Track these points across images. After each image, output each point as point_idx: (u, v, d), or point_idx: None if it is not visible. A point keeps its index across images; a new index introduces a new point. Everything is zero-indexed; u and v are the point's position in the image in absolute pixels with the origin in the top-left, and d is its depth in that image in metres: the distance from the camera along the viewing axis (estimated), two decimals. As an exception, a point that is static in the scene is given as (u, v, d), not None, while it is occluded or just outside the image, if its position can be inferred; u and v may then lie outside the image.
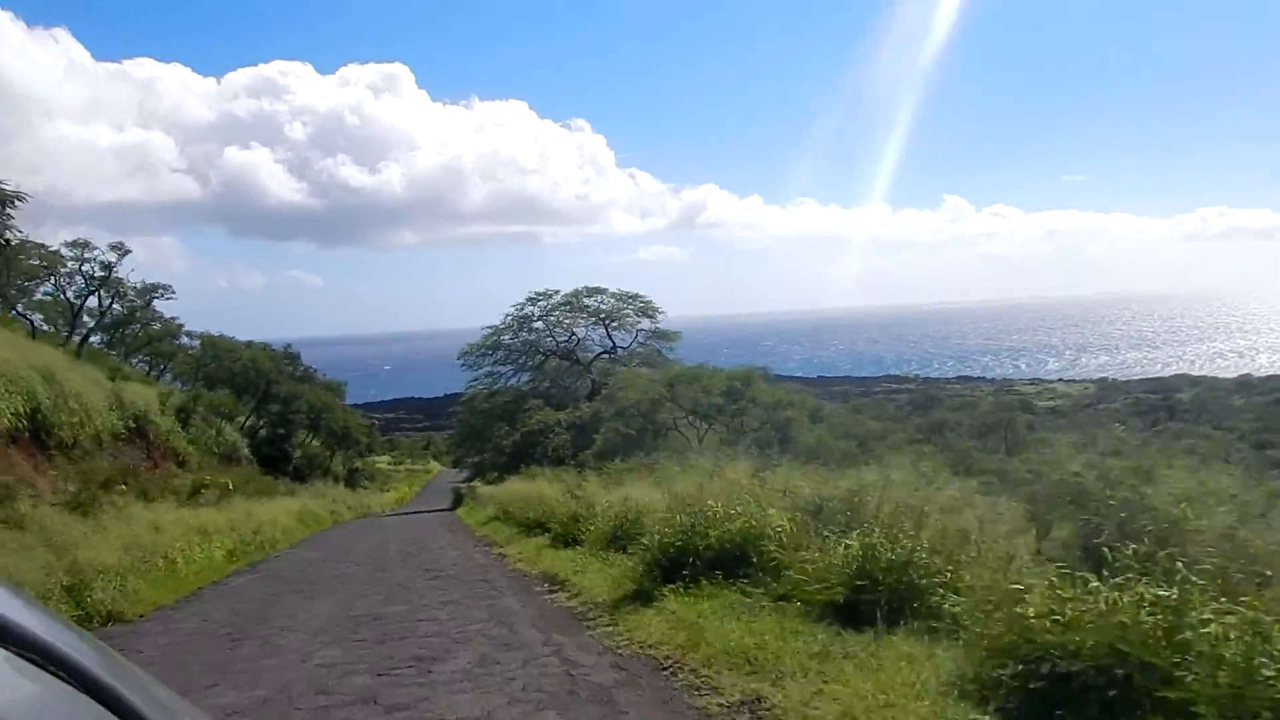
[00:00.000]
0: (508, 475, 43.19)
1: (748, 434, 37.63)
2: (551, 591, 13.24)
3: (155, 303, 44.93)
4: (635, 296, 59.86)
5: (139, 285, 42.17)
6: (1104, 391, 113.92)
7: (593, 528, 16.20)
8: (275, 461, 47.78)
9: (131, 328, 45.55)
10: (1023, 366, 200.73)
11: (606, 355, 60.01)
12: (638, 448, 35.59)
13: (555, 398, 56.53)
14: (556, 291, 59.43)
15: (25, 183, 37.98)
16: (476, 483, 51.95)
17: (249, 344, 51.37)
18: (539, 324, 59.15)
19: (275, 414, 49.66)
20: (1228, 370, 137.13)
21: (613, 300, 59.40)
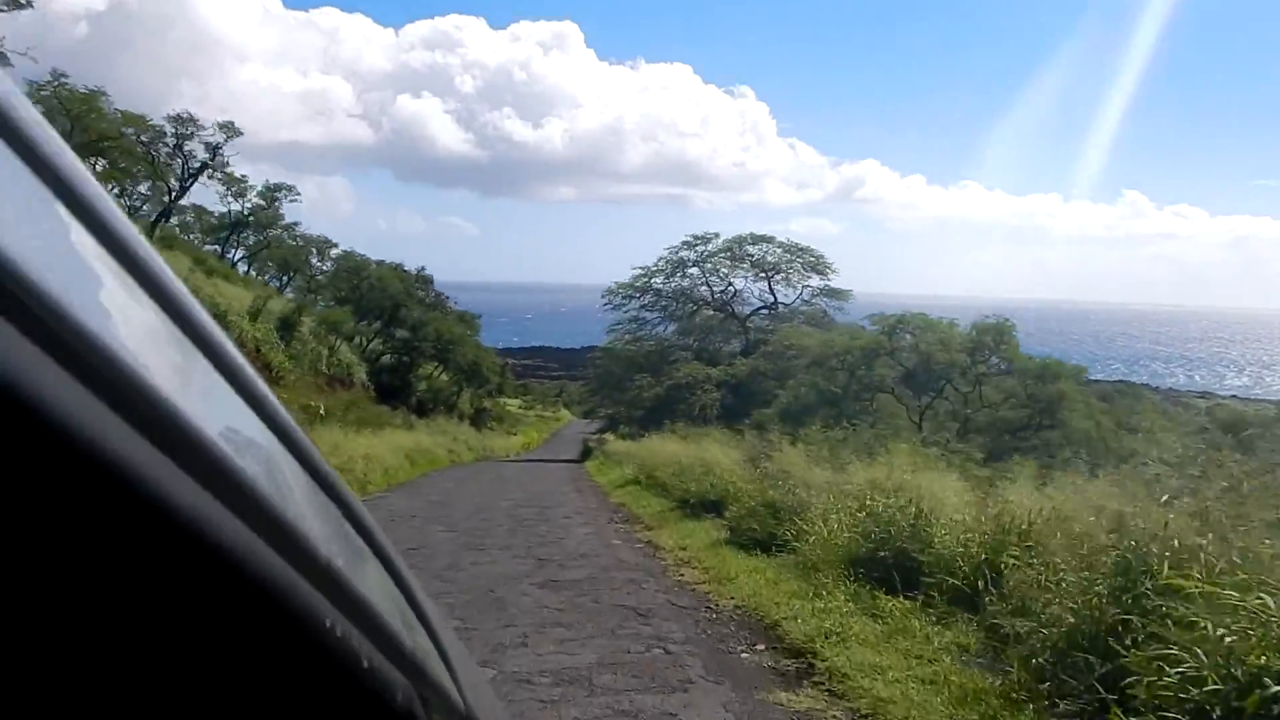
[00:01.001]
0: (646, 431, 38.05)
1: (993, 408, 31.92)
2: (784, 672, 6.90)
3: (281, 209, 40.87)
4: (805, 249, 53.50)
5: (264, 186, 37.98)
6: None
7: (815, 532, 10.17)
8: (396, 392, 43.38)
9: (245, 231, 41.38)
10: (1196, 378, 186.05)
11: (766, 311, 53.93)
12: (836, 412, 29.68)
13: (705, 353, 50.74)
14: (716, 235, 53.49)
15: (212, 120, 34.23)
16: (609, 436, 47.18)
17: (380, 263, 46.75)
18: (694, 270, 53.36)
19: (401, 341, 45.23)
20: None
21: (779, 251, 53.15)
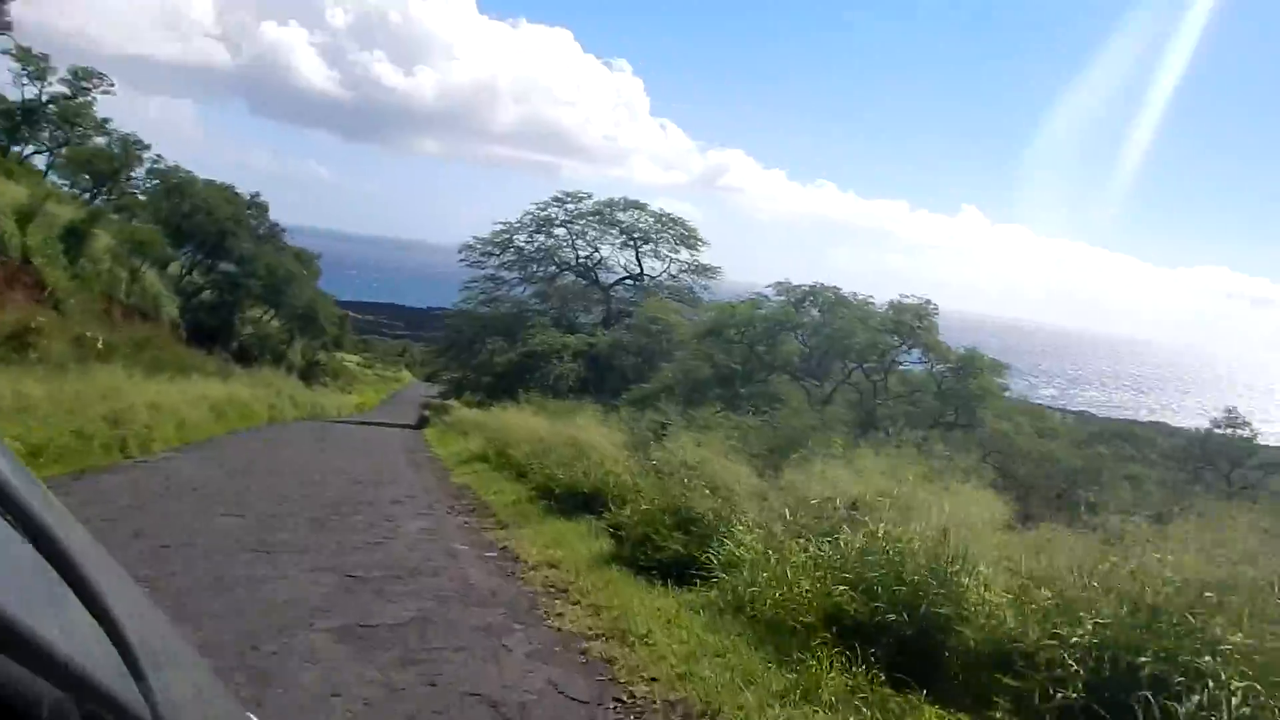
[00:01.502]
0: (494, 399, 34.53)
1: (905, 401, 28.83)
2: None
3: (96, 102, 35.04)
4: (677, 220, 50.46)
5: (70, 70, 32.30)
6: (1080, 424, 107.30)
7: (759, 565, 6.94)
8: (214, 334, 38.39)
9: (41, 124, 35.17)
10: (1013, 387, 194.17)
11: (631, 282, 50.78)
12: (730, 393, 26.50)
13: (564, 320, 47.31)
14: (589, 196, 49.91)
15: (52, 24, 28.37)
16: (454, 402, 43.40)
17: (209, 182, 40.89)
18: (561, 230, 49.66)
19: (225, 275, 40.06)
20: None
21: (651, 220, 49.95)
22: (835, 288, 33.80)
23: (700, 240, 50.10)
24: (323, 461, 19.01)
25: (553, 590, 7.90)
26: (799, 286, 33.48)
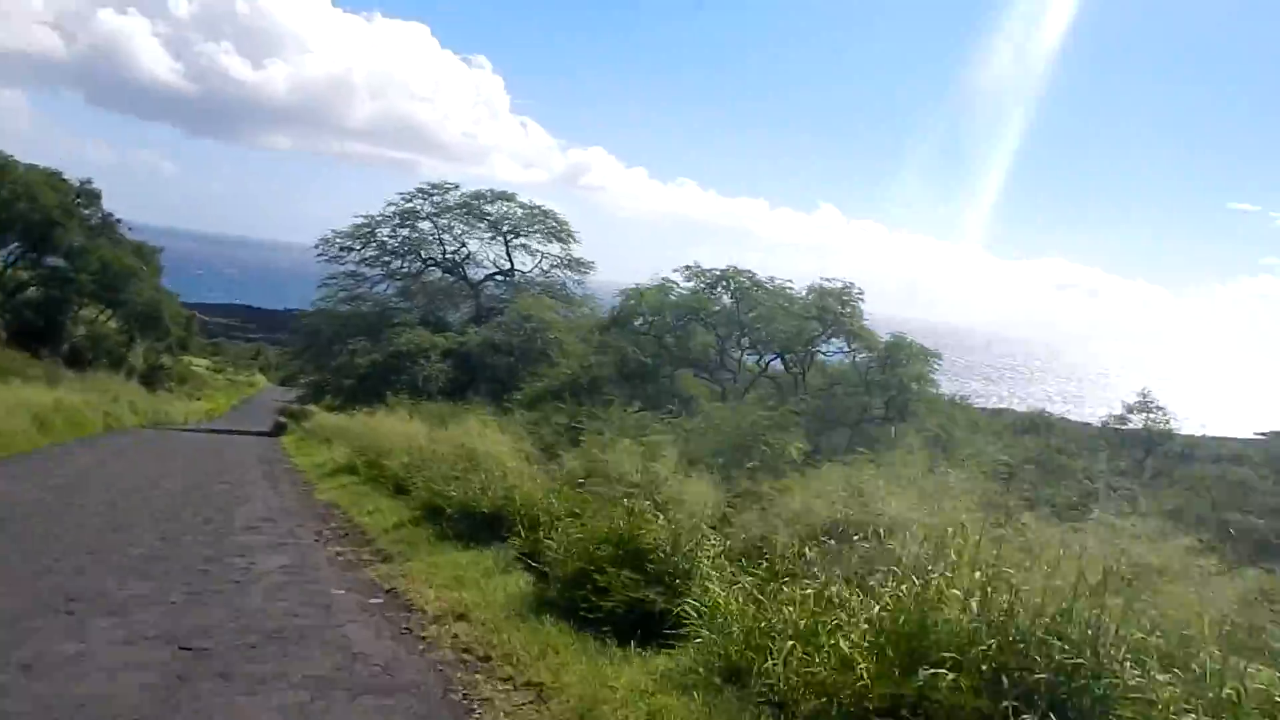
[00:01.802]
0: (356, 403, 32.01)
1: (827, 395, 26.59)
2: None
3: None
4: (548, 213, 48.24)
5: None
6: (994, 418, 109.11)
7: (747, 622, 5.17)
8: (41, 335, 34.59)
9: None
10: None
11: (501, 277, 48.45)
12: (634, 390, 24.32)
13: (432, 318, 44.76)
14: (455, 186, 47.37)
15: None
16: (313, 408, 40.52)
17: (31, 167, 36.71)
18: (426, 224, 46.96)
19: (52, 270, 36.14)
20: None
21: (520, 212, 47.68)
22: (750, 272, 31.11)
23: (573, 234, 48.11)
24: (163, 478, 16.47)
25: (470, 659, 5.91)
26: (710, 270, 31.36)
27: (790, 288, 30.41)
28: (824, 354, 29.61)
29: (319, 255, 45.58)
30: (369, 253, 45.93)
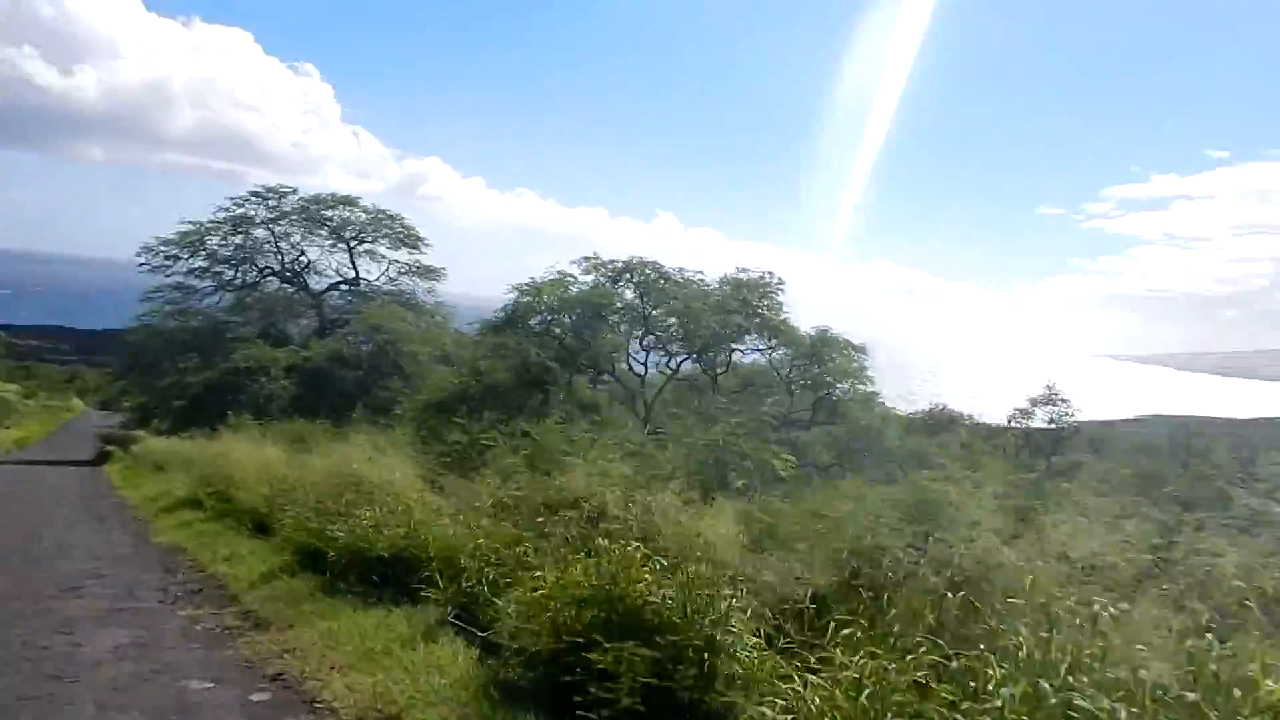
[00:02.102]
0: (192, 427, 29.02)
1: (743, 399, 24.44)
2: None
3: None
4: (394, 217, 45.71)
5: None
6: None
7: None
8: None
9: None
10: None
11: (346, 287, 45.59)
12: (536, 402, 22.09)
13: (272, 332, 41.62)
14: (292, 191, 44.22)
15: None
16: (141, 433, 37.05)
17: None
18: (261, 231, 43.64)
19: None
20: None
21: (364, 217, 44.95)
22: (656, 263, 28.99)
23: (422, 239, 45.72)
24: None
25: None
26: (612, 262, 28.91)
27: (701, 280, 28.64)
28: (741, 351, 27.88)
29: (141, 266, 41.75)
30: (198, 262, 42.42)
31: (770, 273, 27.69)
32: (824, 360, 25.66)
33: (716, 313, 25.72)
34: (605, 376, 27.69)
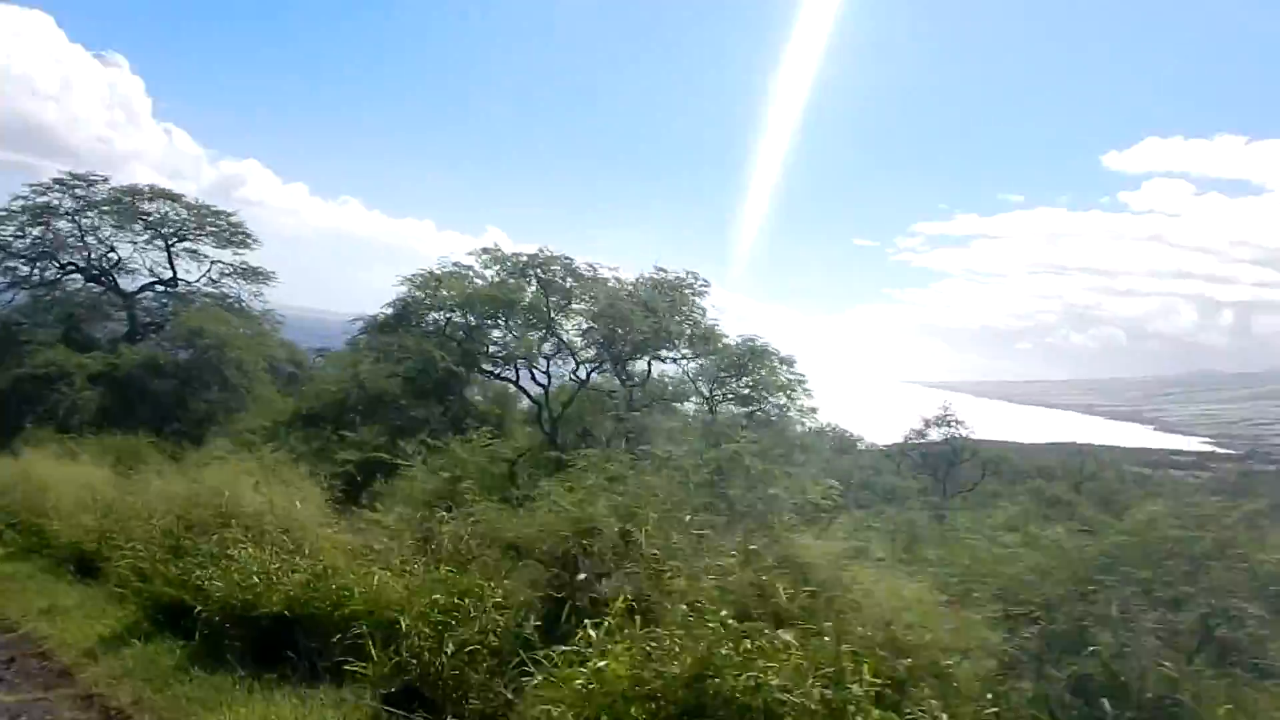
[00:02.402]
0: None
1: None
2: None
3: None
4: (220, 213, 41.73)
5: None
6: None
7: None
8: None
9: None
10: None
11: (162, 287, 41.32)
12: (426, 413, 19.26)
13: (77, 335, 37.17)
14: (103, 179, 39.80)
15: None
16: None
17: None
18: (65, 223, 39.06)
19: None
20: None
21: (186, 213, 40.90)
22: (565, 257, 25.91)
23: (251, 238, 41.89)
24: None
25: None
26: (515, 256, 25.76)
27: (616, 278, 26.10)
28: (662, 360, 25.51)
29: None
30: (-13, 255, 37.53)
31: (694, 273, 25.75)
32: (751, 372, 23.94)
33: (645, 315, 23.49)
34: (510, 386, 25.04)
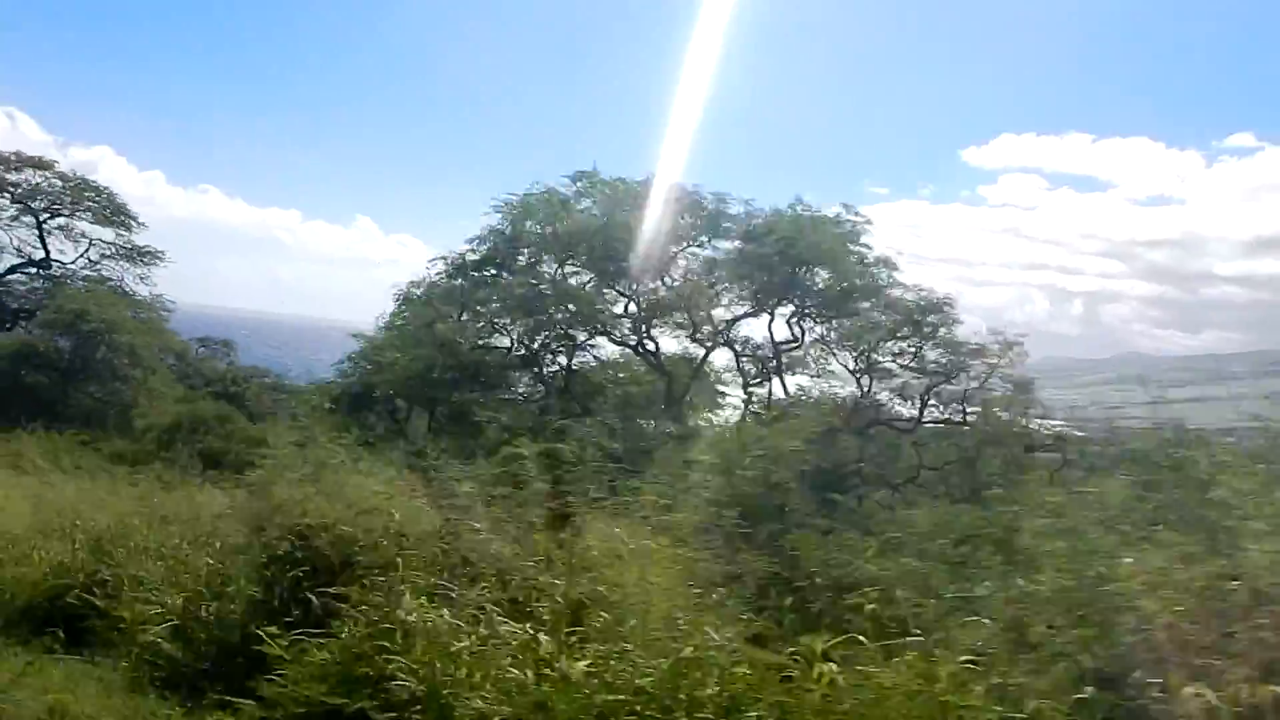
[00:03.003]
0: None
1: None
2: None
3: None
4: (96, 188, 37.64)
5: None
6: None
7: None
8: None
9: None
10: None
11: (34, 269, 37.00)
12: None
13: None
14: (-40, 146, 35.29)
15: None
16: None
17: None
18: (-87, 195, 34.50)
19: None
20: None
21: (60, 185, 36.68)
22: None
23: (132, 216, 37.85)
24: None
25: None
26: (620, 180, 21.71)
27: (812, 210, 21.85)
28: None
29: None
30: None
31: (849, 205, 22.71)
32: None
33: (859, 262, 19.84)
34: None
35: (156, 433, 25.38)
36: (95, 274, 37.22)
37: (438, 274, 23.31)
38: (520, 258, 20.97)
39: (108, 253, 37.70)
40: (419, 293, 23.16)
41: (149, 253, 37.96)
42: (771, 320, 21.72)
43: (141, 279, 37.76)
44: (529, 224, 20.61)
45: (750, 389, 22.02)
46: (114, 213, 37.46)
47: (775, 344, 22.39)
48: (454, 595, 5.23)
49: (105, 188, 37.58)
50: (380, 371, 20.59)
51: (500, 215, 21.61)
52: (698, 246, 22.19)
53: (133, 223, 37.63)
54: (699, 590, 5.31)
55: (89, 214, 37.04)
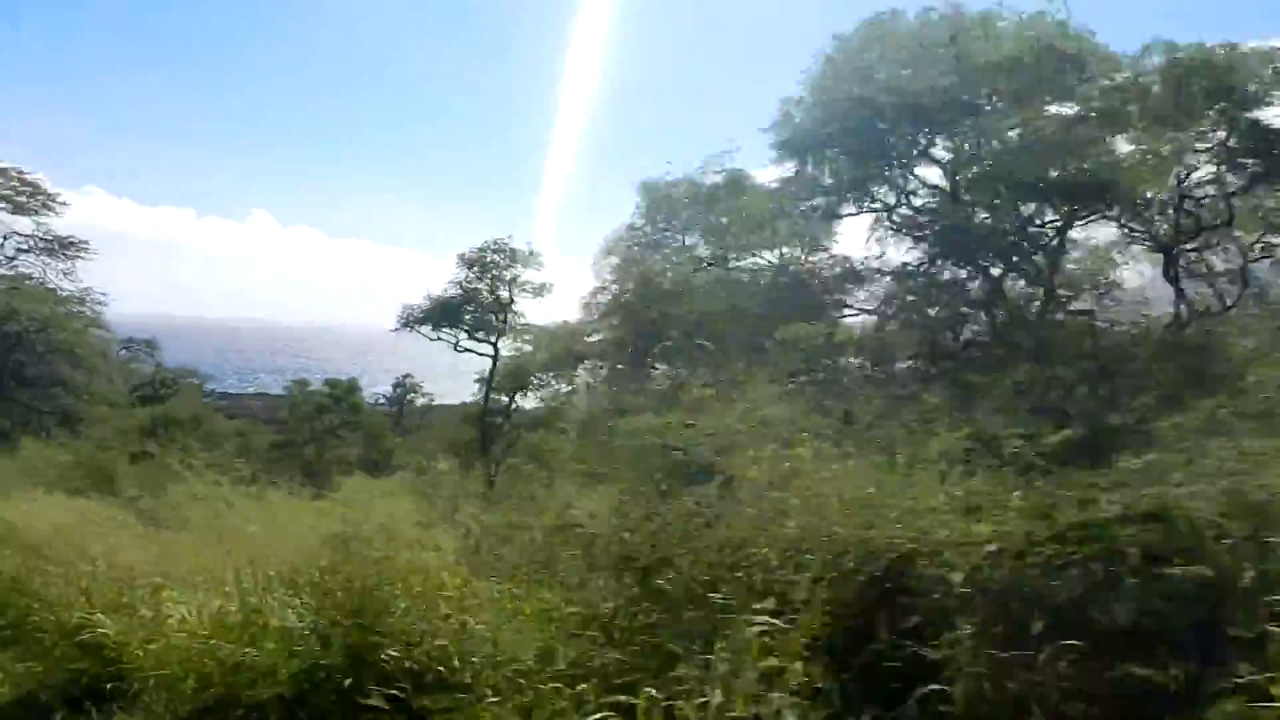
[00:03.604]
0: None
1: None
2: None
3: None
4: (10, 174, 33.56)
5: None
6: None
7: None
8: None
9: None
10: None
11: (-58, 263, 32.89)
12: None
13: None
14: None
15: None
16: None
17: None
18: None
19: None
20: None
21: (-27, 170, 32.60)
22: None
23: (53, 200, 33.84)
24: None
25: None
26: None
27: None
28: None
29: None
30: None
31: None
32: None
33: None
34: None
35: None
36: (11, 272, 33.19)
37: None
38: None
39: (24, 247, 33.75)
40: None
41: (72, 243, 34.02)
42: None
43: (65, 274, 33.92)
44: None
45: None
46: (29, 199, 33.42)
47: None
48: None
49: (15, 168, 33.44)
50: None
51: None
52: None
53: (54, 205, 33.65)
54: None
55: (4, 201, 33.02)
